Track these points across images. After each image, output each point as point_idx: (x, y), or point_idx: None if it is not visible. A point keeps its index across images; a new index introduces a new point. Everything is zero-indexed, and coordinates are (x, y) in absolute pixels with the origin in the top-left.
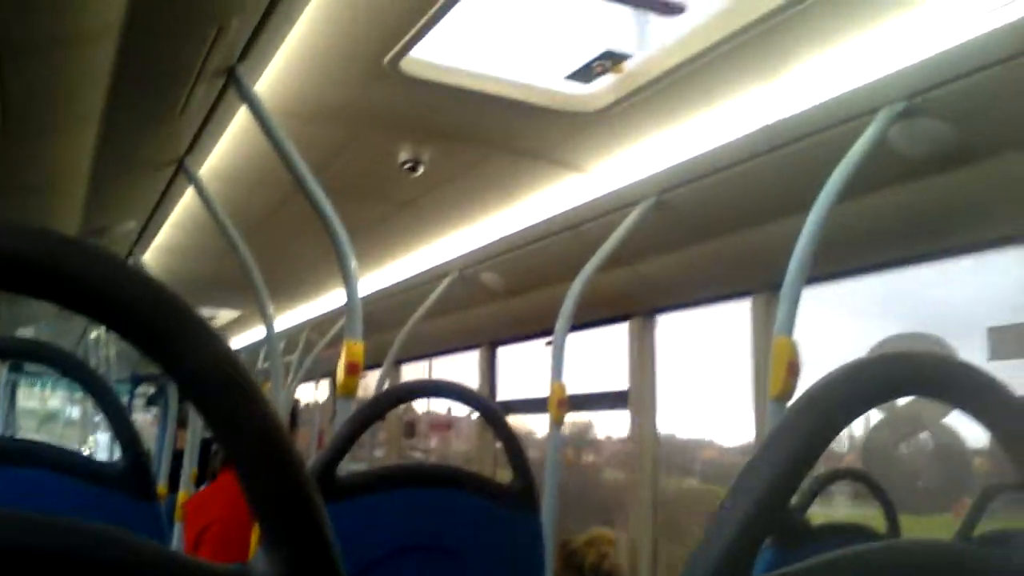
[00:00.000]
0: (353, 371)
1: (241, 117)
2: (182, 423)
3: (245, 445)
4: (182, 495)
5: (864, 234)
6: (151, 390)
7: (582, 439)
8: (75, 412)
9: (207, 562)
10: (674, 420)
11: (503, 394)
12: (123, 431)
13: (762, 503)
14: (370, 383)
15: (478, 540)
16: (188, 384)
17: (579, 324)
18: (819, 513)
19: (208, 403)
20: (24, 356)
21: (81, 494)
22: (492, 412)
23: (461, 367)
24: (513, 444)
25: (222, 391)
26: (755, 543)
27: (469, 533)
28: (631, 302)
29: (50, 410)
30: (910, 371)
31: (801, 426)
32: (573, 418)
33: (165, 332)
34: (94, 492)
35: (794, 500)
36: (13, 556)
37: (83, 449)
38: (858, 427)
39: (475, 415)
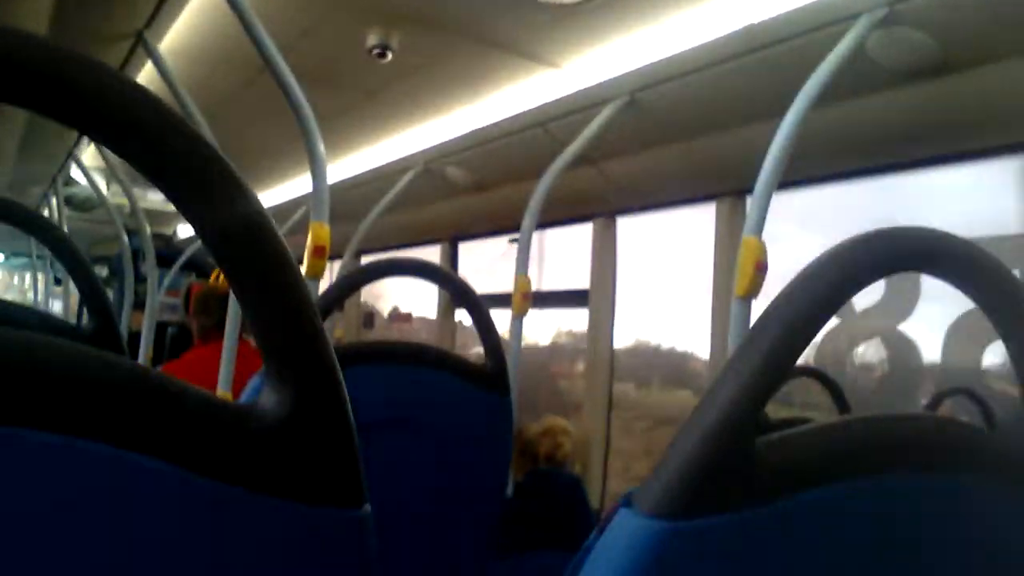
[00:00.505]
0: (319, 254)
1: None
2: (139, 305)
3: (257, 279)
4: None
5: (838, 142)
6: (104, 272)
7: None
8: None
9: (212, 395)
10: (643, 324)
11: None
12: (91, 292)
13: (768, 364)
14: (332, 275)
15: (451, 417)
16: (215, 232)
17: (543, 223)
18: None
19: (220, 244)
20: None
21: None
22: (464, 291)
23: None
24: (486, 324)
25: (228, 222)
26: (771, 390)
27: (442, 409)
28: (596, 202)
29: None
30: (902, 247)
31: (799, 299)
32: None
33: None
34: None
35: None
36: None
37: None
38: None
39: (433, 313)
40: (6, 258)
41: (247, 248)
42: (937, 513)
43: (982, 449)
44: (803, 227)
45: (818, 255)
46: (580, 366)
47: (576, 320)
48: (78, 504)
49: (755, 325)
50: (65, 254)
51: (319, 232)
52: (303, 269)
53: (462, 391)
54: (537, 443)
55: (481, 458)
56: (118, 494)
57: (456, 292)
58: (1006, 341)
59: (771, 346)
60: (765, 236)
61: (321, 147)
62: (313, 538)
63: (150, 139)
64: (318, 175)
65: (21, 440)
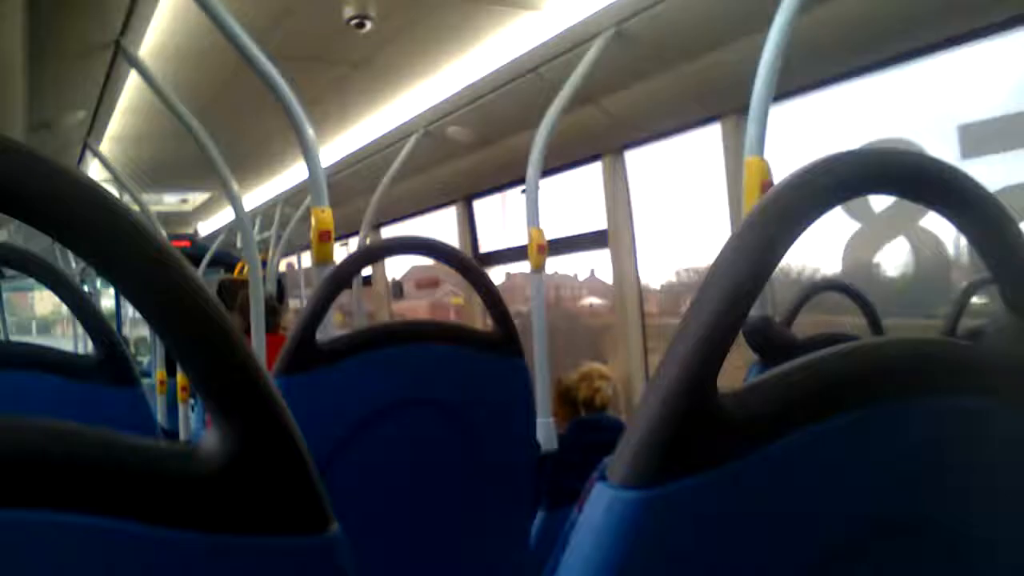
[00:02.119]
0: (325, 238)
1: None
2: None
3: (177, 324)
4: (181, 377)
5: (827, 44)
6: None
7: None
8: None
9: (150, 441)
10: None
11: (485, 246)
12: (91, 322)
13: (735, 295)
14: (353, 251)
15: (466, 389)
16: (104, 263)
17: (552, 168)
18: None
19: (130, 283)
20: None
21: (62, 389)
22: (462, 261)
23: (439, 224)
24: (489, 290)
25: (145, 272)
26: (724, 342)
27: (457, 383)
28: (601, 141)
29: (46, 316)
30: (877, 167)
31: (771, 216)
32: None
33: (81, 221)
34: (75, 386)
35: (778, 316)
36: None
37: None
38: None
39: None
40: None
41: (163, 291)
42: (923, 440)
43: (964, 366)
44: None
45: (770, 189)
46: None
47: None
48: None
49: (705, 279)
50: (60, 287)
51: (321, 217)
52: (311, 255)
53: (473, 361)
54: (576, 389)
55: (504, 423)
56: (64, 559)
57: (451, 262)
58: (980, 252)
59: (722, 296)
60: (781, 146)
61: (310, 132)
62: (278, 569)
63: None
64: (311, 159)
65: None
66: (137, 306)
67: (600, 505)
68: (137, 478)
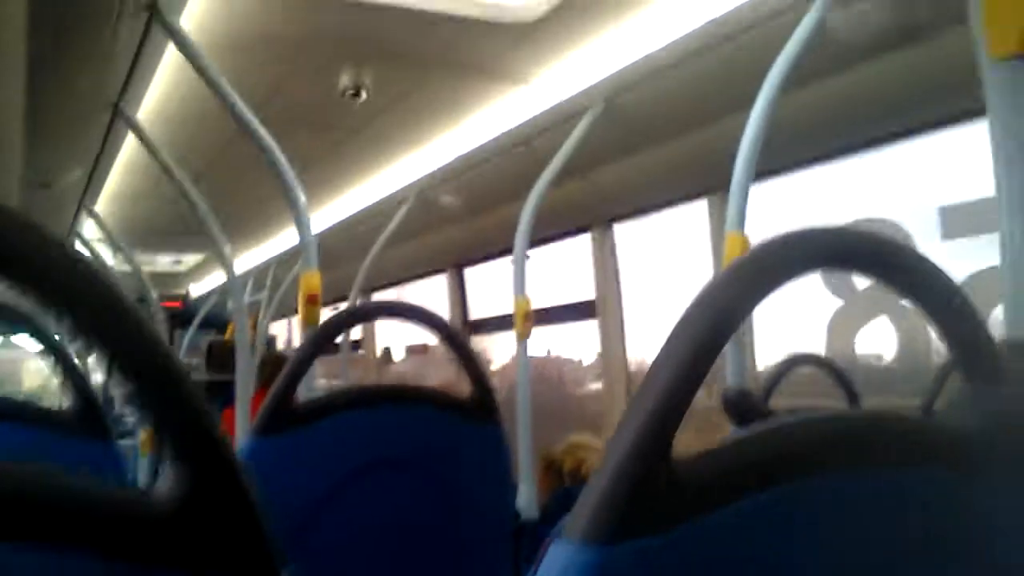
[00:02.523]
0: (312, 301)
1: (172, 54)
2: None
3: (135, 373)
4: (144, 432)
5: (811, 125)
6: None
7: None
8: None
9: (107, 486)
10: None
11: (477, 314)
12: (70, 376)
13: (675, 383)
14: None
15: (441, 452)
16: (63, 311)
17: (541, 239)
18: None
19: (87, 328)
20: None
21: (38, 441)
22: (440, 325)
23: (430, 291)
24: (466, 355)
25: (98, 315)
26: (679, 408)
27: (430, 445)
28: (590, 213)
29: (34, 389)
30: (830, 246)
31: (702, 315)
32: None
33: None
34: (50, 438)
35: (757, 388)
36: None
37: None
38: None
39: None
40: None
41: (120, 340)
42: (875, 510)
43: (917, 439)
44: (803, 209)
45: (726, 266)
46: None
47: None
48: None
49: (662, 347)
50: (39, 337)
51: (309, 281)
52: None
53: (448, 424)
54: (561, 461)
55: (479, 488)
56: None
57: (429, 325)
58: (934, 323)
59: (677, 365)
60: (764, 223)
61: (302, 198)
62: None
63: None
64: (302, 224)
65: None
66: (96, 352)
67: (555, 562)
68: (85, 518)
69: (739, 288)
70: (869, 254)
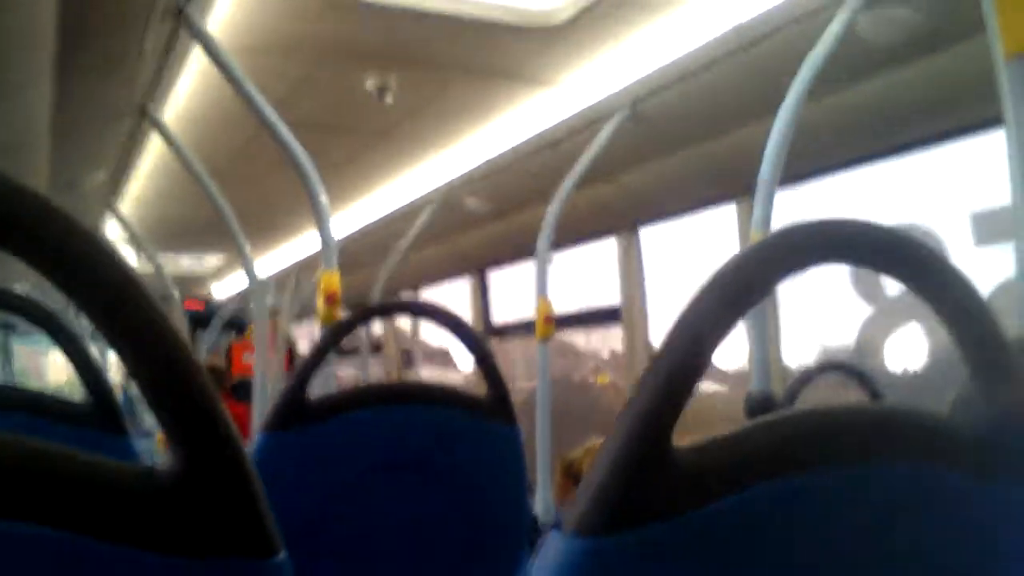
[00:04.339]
0: (331, 301)
1: (199, 57)
2: None
3: (134, 347)
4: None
5: (839, 129)
6: None
7: None
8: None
9: (105, 461)
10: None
11: (499, 319)
12: (85, 370)
13: (674, 375)
14: None
15: (454, 452)
16: (73, 288)
17: (565, 242)
18: None
19: (95, 307)
20: None
21: (49, 432)
22: (455, 322)
23: (452, 295)
24: (482, 353)
25: (106, 294)
26: (680, 395)
27: (444, 446)
28: (616, 217)
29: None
30: (835, 237)
31: (703, 308)
32: None
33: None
34: (64, 431)
35: (781, 393)
36: None
37: None
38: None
39: None
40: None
41: (120, 315)
42: (881, 505)
43: (927, 435)
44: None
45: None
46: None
47: None
48: None
49: (665, 336)
50: (56, 332)
51: (329, 280)
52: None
53: (464, 424)
54: (579, 465)
55: (495, 491)
56: (6, 568)
57: (443, 322)
58: (943, 321)
59: (676, 357)
60: None
61: (323, 198)
62: None
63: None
64: (323, 225)
65: None
66: (102, 329)
67: (552, 553)
68: (85, 493)
69: (746, 274)
70: (875, 246)
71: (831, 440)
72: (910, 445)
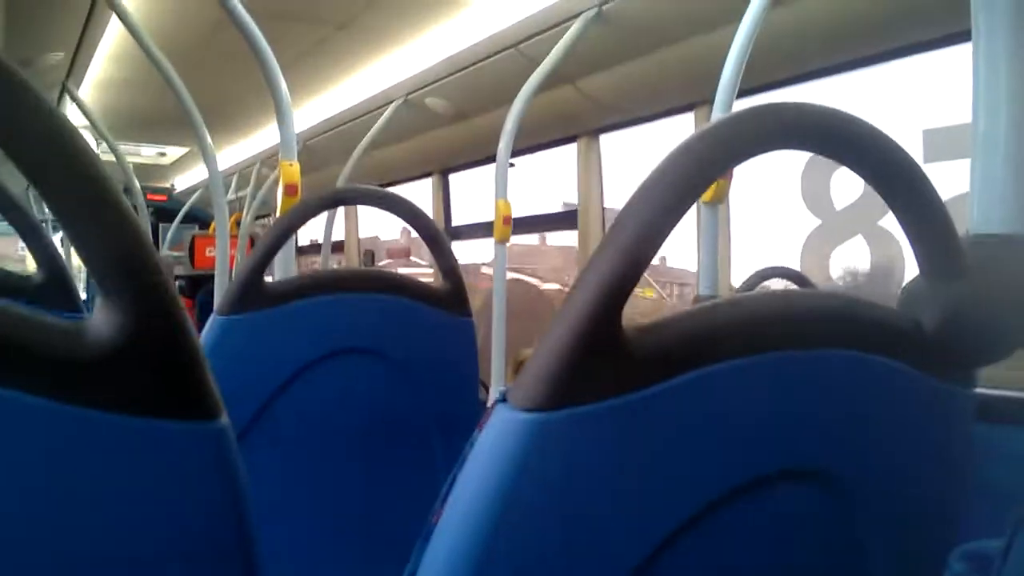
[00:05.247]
0: (291, 192)
1: None
2: None
3: (68, 199)
4: None
5: (797, 41)
6: None
7: None
8: None
9: (43, 316)
10: None
11: (458, 220)
12: (37, 245)
13: (625, 255)
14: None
15: (411, 341)
16: (26, 158)
17: (528, 147)
18: None
19: (27, 157)
20: None
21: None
22: (415, 215)
23: (414, 195)
24: (439, 242)
25: (41, 144)
26: (632, 276)
27: (402, 335)
28: (577, 122)
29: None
30: (785, 122)
31: (654, 189)
32: None
33: None
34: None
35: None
36: None
37: None
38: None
39: None
40: None
41: (59, 169)
42: (819, 390)
43: (872, 325)
44: None
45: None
46: None
47: None
48: None
49: (616, 219)
50: (7, 211)
51: (288, 171)
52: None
53: (420, 314)
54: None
55: (447, 378)
56: None
57: (397, 212)
58: (897, 214)
59: (627, 237)
60: None
61: (285, 90)
62: (160, 451)
63: None
64: (283, 115)
65: None
66: (34, 178)
67: (498, 426)
68: (19, 348)
69: (697, 161)
70: (836, 132)
71: (773, 326)
72: (851, 333)
